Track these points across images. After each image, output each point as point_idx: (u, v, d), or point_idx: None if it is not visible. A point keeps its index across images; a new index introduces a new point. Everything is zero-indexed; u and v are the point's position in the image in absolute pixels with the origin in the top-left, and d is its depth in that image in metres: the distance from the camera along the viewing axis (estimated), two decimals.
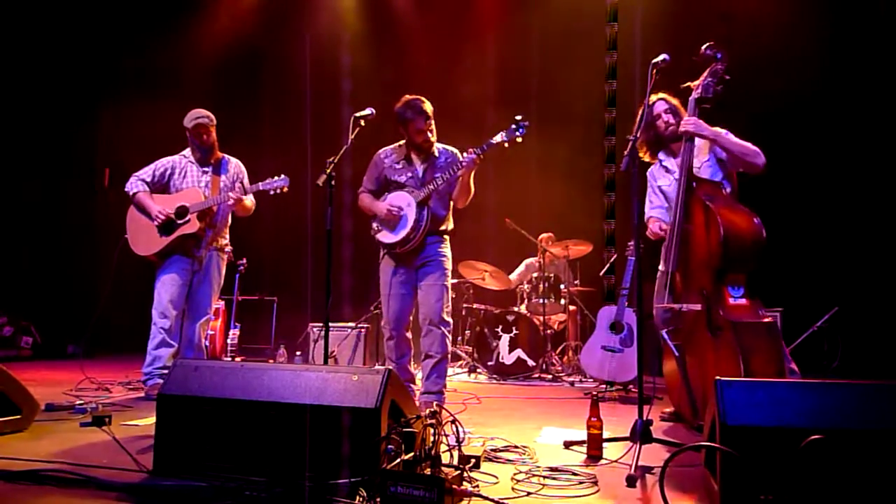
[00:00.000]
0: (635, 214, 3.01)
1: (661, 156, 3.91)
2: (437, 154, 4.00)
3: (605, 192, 7.45)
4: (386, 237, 3.93)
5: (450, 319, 3.96)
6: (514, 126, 3.73)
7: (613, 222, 7.34)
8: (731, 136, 3.54)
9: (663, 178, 3.91)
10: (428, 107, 3.90)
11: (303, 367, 2.37)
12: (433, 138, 3.96)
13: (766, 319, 3.14)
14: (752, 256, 3.19)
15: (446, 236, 4.04)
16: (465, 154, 3.81)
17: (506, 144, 3.78)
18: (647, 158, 3.95)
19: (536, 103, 7.28)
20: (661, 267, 3.81)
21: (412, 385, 4.10)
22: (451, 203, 4.04)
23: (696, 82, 3.52)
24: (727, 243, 3.14)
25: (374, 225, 4.01)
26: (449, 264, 3.98)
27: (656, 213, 3.95)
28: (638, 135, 3.07)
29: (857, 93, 6.07)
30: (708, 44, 3.47)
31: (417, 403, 3.72)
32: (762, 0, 6.35)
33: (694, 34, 6.22)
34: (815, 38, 6.18)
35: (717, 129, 3.56)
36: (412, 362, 4.16)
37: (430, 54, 8.06)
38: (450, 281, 4.00)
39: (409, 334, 4.03)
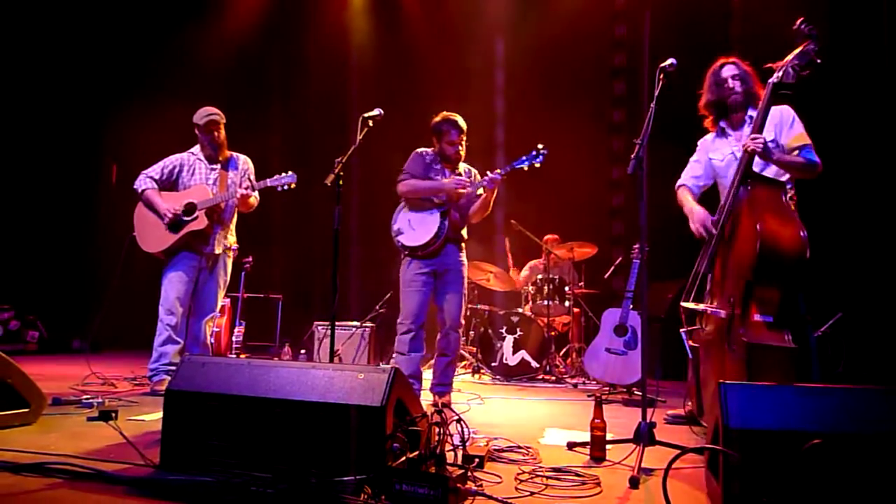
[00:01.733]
0: (642, 217, 3.02)
1: (723, 124, 3.58)
2: (462, 172, 4.35)
3: (610, 194, 7.47)
4: (408, 240, 4.21)
5: (463, 322, 4.33)
6: (534, 153, 4.03)
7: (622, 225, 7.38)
8: (796, 132, 3.29)
9: (718, 150, 3.59)
10: (463, 123, 4.28)
11: (309, 364, 2.39)
12: (463, 153, 4.31)
13: (787, 345, 2.86)
14: (789, 274, 2.92)
15: (463, 244, 4.36)
16: (488, 174, 4.10)
17: (525, 168, 4.08)
18: (706, 124, 3.65)
19: (542, 104, 7.27)
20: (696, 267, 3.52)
21: (418, 383, 4.21)
22: (467, 215, 4.32)
23: (781, 62, 3.12)
24: (762, 255, 2.88)
25: (395, 227, 4.29)
26: (466, 271, 4.33)
27: (690, 182, 3.70)
28: (644, 141, 2.90)
29: (862, 95, 6.05)
30: (802, 19, 3.07)
31: (431, 394, 4.14)
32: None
33: (703, 34, 6.26)
34: (835, 38, 6.16)
35: (781, 112, 3.34)
36: (421, 363, 4.27)
37: (438, 54, 8.09)
38: (466, 286, 4.34)
39: (424, 333, 4.23)
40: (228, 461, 2.29)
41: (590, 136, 7.50)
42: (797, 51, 3.07)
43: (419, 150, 4.39)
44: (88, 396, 3.74)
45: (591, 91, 7.59)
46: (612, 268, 6.67)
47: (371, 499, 1.98)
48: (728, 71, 3.50)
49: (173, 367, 3.80)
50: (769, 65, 3.19)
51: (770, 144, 3.21)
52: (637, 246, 5.05)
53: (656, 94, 3.02)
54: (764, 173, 3.25)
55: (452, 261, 4.25)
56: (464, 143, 4.30)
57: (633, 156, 2.92)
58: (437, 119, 4.31)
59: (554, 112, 7.32)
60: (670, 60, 3.03)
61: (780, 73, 3.08)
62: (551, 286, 6.24)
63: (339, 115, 7.72)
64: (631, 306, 5.10)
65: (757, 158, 3.19)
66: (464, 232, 4.37)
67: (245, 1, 8.40)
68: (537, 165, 4.03)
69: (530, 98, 7.75)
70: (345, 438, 2.17)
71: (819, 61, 3.04)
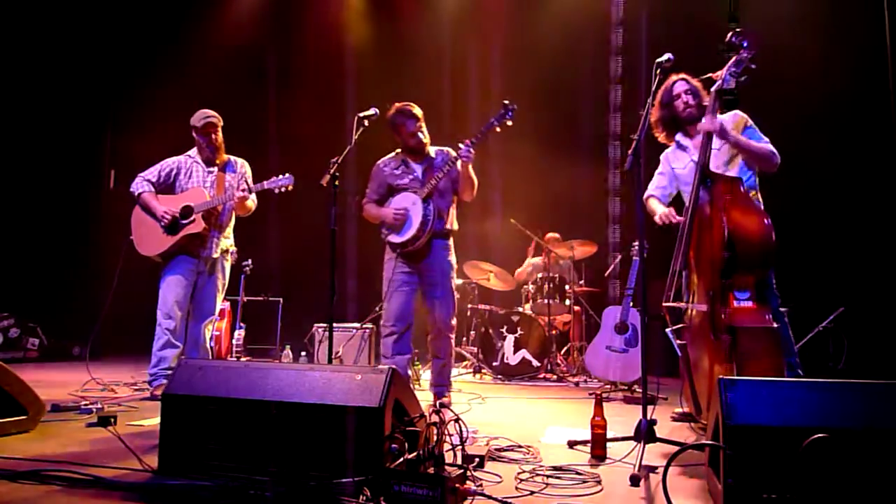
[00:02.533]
0: (639, 214, 3.02)
1: (679, 136, 3.77)
2: (433, 155, 4.21)
3: (609, 193, 7.46)
4: (394, 238, 4.11)
5: (455, 323, 4.21)
6: (502, 111, 3.94)
7: (618, 227, 7.37)
8: (749, 137, 3.46)
9: (678, 160, 3.78)
10: (417, 110, 4.13)
11: (307, 366, 2.38)
12: (426, 139, 4.16)
13: (772, 324, 3.01)
14: (760, 259, 3.08)
15: (451, 239, 4.21)
16: (460, 146, 3.96)
17: (497, 129, 3.98)
18: (661, 139, 3.83)
19: (541, 102, 7.25)
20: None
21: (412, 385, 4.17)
22: (455, 200, 4.20)
23: (719, 72, 3.33)
24: (732, 245, 3.04)
25: (383, 229, 4.18)
26: (454, 272, 4.20)
27: (657, 192, 3.86)
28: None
29: (865, 91, 6.04)
30: (734, 30, 3.29)
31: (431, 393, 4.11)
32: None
33: (701, 34, 6.24)
34: (824, 35, 6.16)
35: (734, 117, 3.49)
36: (412, 364, 4.24)
37: (435, 55, 8.08)
38: (455, 285, 4.22)
39: (409, 334, 4.12)
40: (227, 465, 2.28)
41: (590, 134, 7.51)
42: (732, 59, 3.28)
43: (379, 162, 4.29)
44: (87, 402, 3.73)
45: (591, 90, 7.59)
46: (612, 266, 6.66)
47: (369, 500, 1.96)
48: (680, 87, 3.69)
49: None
50: (709, 75, 3.42)
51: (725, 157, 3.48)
52: (636, 243, 5.04)
53: (653, 89, 3.06)
54: (718, 170, 3.44)
55: (438, 259, 4.13)
56: (423, 129, 4.14)
57: (630, 152, 2.92)
58: (390, 113, 4.15)
59: (554, 109, 7.32)
60: (667, 56, 3.04)
61: (720, 82, 3.29)
62: (552, 285, 6.22)
63: (336, 115, 7.70)
64: (631, 304, 5.09)
65: (715, 154, 3.43)
66: (453, 224, 4.24)
67: (242, 4, 8.40)
68: (509, 123, 3.95)
69: (528, 94, 7.72)
70: (343, 440, 2.15)
71: (754, 67, 3.24)
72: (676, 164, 3.80)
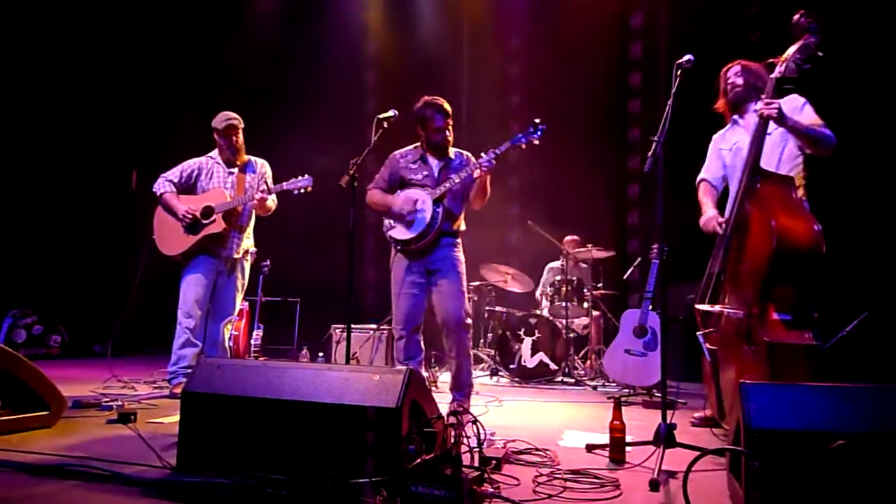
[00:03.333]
0: (659, 216, 2.98)
1: (735, 117, 3.62)
2: (452, 156, 4.02)
3: (628, 195, 7.43)
4: (400, 233, 3.89)
5: (469, 320, 3.95)
6: (531, 128, 3.78)
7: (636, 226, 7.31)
8: (807, 116, 3.23)
9: (727, 140, 3.61)
10: (447, 106, 3.94)
11: (325, 366, 2.39)
12: (451, 138, 3.98)
13: (810, 342, 2.84)
14: (805, 270, 2.88)
15: (459, 238, 4.04)
16: (482, 155, 3.81)
17: (523, 146, 3.82)
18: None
19: (557, 103, 7.23)
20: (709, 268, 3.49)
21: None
22: (465, 204, 4.05)
23: (782, 57, 3.09)
24: (778, 253, 2.84)
25: (387, 222, 3.98)
26: (463, 267, 3.97)
27: (708, 175, 3.69)
28: (661, 138, 2.86)
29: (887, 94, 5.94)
30: (802, 11, 3.03)
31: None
32: None
33: (720, 30, 6.18)
34: (849, 38, 6.07)
35: (792, 101, 3.29)
36: (424, 365, 4.14)
37: (452, 53, 8.10)
38: (465, 282, 3.99)
39: (419, 336, 3.97)
40: (244, 463, 2.29)
41: (608, 137, 7.46)
42: (797, 44, 3.06)
43: (396, 152, 4.10)
44: (108, 399, 3.77)
45: (609, 90, 7.55)
46: (631, 268, 6.61)
47: (387, 500, 1.96)
48: (732, 71, 3.57)
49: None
50: (771, 60, 3.19)
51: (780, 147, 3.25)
52: (656, 246, 5.00)
53: (673, 91, 2.96)
54: (775, 171, 3.23)
55: (444, 252, 3.92)
56: (450, 127, 3.96)
57: (650, 153, 2.88)
58: (419, 105, 3.97)
59: (571, 108, 7.28)
60: (687, 57, 2.97)
61: (782, 68, 3.08)
62: (570, 288, 6.19)
63: (355, 116, 7.73)
64: (650, 307, 5.05)
65: (770, 138, 3.20)
66: (461, 225, 4.07)
67: (260, 5, 8.48)
68: (536, 142, 3.79)
69: (543, 96, 7.71)
70: (360, 440, 2.15)
71: (820, 54, 3.00)
72: (724, 144, 3.63)
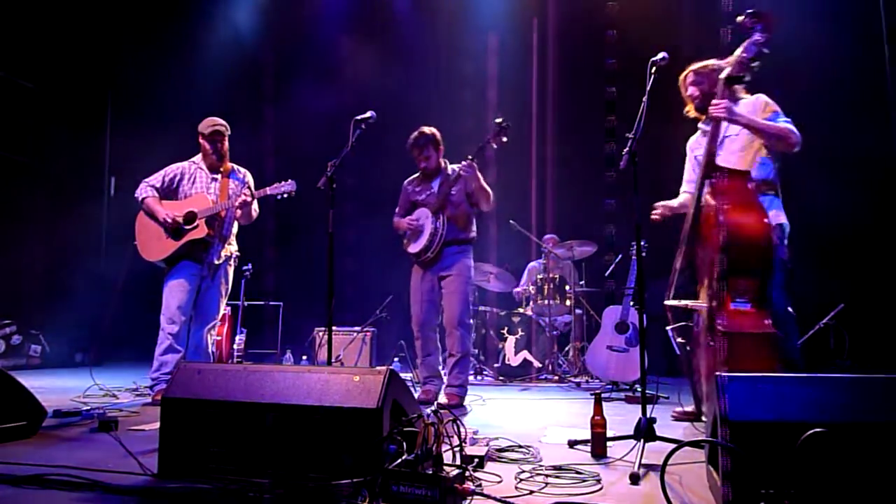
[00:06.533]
0: (637, 213, 3.01)
1: (700, 125, 3.72)
2: (448, 171, 4.46)
3: (606, 193, 7.48)
4: (411, 248, 4.44)
5: (470, 322, 4.48)
6: (496, 129, 4.17)
7: (612, 227, 7.38)
8: (769, 114, 3.31)
9: (699, 146, 3.67)
10: (422, 140, 4.39)
11: (305, 368, 2.38)
12: (432, 164, 4.43)
13: (769, 330, 2.86)
14: (758, 262, 2.93)
15: (468, 245, 4.46)
16: (462, 164, 4.21)
17: (493, 146, 4.22)
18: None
19: (537, 107, 7.28)
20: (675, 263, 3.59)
21: (438, 380, 4.41)
22: (472, 210, 4.47)
23: (731, 57, 3.17)
24: (729, 247, 2.90)
25: (404, 240, 4.53)
26: (469, 272, 4.42)
27: (690, 188, 3.73)
28: (637, 136, 2.92)
29: (870, 87, 6.03)
30: (748, 11, 3.08)
31: (443, 396, 4.32)
32: None
33: (695, 34, 6.25)
34: (822, 31, 6.15)
35: (757, 102, 3.36)
36: (442, 362, 4.46)
37: (430, 60, 8.10)
38: (470, 285, 4.43)
39: (435, 335, 4.43)
40: (226, 467, 2.28)
41: (586, 135, 7.51)
42: (744, 44, 3.12)
43: (405, 182, 4.64)
44: (89, 407, 3.74)
45: (588, 90, 7.60)
46: (612, 266, 6.65)
47: (368, 501, 1.96)
48: (688, 80, 3.64)
49: None
50: (714, 60, 3.39)
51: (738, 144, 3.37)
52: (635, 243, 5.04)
53: (648, 88, 3.00)
54: (731, 166, 3.26)
55: (451, 261, 4.37)
56: (429, 155, 4.39)
57: (625, 151, 2.91)
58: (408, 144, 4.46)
59: (550, 112, 7.33)
60: (662, 54, 3.02)
61: (729, 69, 3.16)
62: (552, 286, 6.22)
63: (333, 119, 7.73)
64: (631, 303, 5.09)
65: (731, 140, 3.33)
66: (470, 233, 4.47)
67: (239, 10, 8.43)
68: (504, 140, 4.15)
69: (524, 100, 7.75)
70: (341, 441, 2.16)
71: (767, 51, 3.07)
72: (697, 150, 3.70)
